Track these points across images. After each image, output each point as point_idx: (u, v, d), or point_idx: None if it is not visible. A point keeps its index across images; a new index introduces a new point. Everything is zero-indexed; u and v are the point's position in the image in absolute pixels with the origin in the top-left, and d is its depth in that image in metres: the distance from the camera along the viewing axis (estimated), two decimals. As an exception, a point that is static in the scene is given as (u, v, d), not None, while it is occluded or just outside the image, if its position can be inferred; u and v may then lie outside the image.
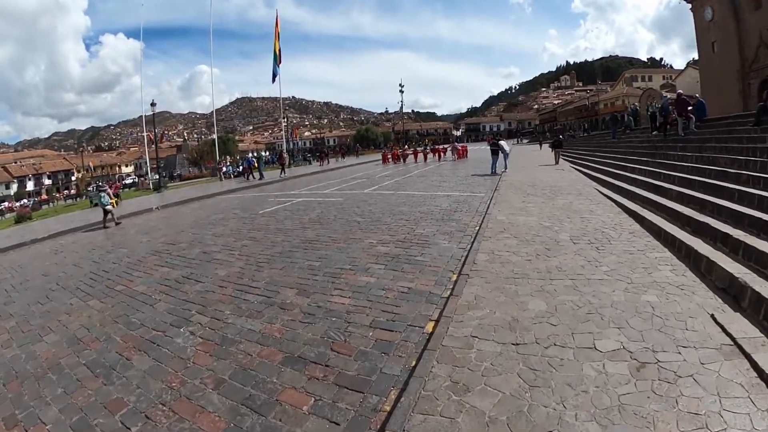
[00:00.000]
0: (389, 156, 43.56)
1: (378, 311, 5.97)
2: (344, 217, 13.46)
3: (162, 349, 5.55)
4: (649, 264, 6.75)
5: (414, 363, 4.52)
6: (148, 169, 54.47)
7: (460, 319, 5.24)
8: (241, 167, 46.79)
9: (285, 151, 50.99)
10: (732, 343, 4.30)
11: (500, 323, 5.04)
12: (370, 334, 5.34)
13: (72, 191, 66.62)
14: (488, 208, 12.39)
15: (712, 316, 4.88)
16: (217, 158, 50.63)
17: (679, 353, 4.18)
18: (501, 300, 5.69)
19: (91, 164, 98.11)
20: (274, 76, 55.82)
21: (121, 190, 40.08)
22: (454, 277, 6.93)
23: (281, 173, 36.81)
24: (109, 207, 18.12)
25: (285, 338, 5.49)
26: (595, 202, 12.28)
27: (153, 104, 39.34)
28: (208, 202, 23.25)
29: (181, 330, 6.09)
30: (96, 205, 30.31)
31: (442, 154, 41.79)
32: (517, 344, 4.56)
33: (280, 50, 55.44)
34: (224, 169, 45.59)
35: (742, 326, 4.57)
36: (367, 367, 4.62)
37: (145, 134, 51.17)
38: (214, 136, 60.23)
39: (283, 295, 7.03)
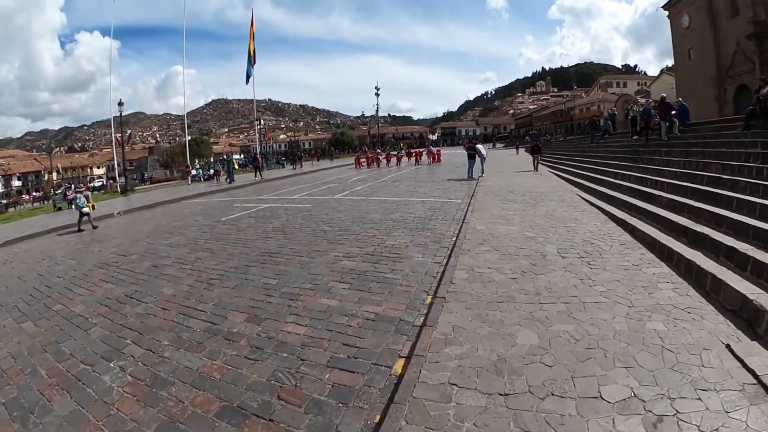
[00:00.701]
0: (362, 160, 42.73)
1: (338, 344, 5.03)
2: (310, 225, 12.47)
3: (86, 389, 4.67)
4: (648, 282, 5.98)
5: (378, 418, 3.63)
6: (116, 171, 52.52)
7: (436, 358, 4.32)
8: (212, 170, 45.37)
9: (259, 153, 49.71)
10: (755, 381, 3.66)
11: (484, 364, 4.13)
12: (327, 376, 4.40)
13: (39, 193, 64.06)
14: (466, 215, 11.55)
15: (728, 346, 4.20)
16: (188, 161, 49.07)
17: (699, 398, 3.46)
18: (484, 332, 4.78)
19: (59, 165, 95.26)
20: (248, 77, 54.40)
21: (74, 195, 38.37)
22: (429, 300, 6.02)
23: (256, 176, 36.04)
24: (86, 209, 17.27)
25: (225, 381, 4.53)
26: (579, 209, 11.52)
27: (120, 104, 37.83)
28: (172, 207, 22.02)
29: (111, 365, 5.16)
30: (60, 209, 29.12)
31: (418, 158, 40.92)
32: (506, 395, 3.67)
33: (254, 51, 54.14)
34: (194, 172, 44.12)
35: (763, 359, 3.94)
36: (320, 423, 3.69)
37: (113, 135, 49.31)
38: (186, 137, 58.59)
39: (230, 321, 6.07)
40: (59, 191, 38.63)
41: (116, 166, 51.50)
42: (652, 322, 4.78)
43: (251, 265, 8.81)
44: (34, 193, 68.75)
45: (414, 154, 42.40)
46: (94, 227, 17.23)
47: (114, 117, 39.67)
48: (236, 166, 39.94)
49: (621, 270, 6.48)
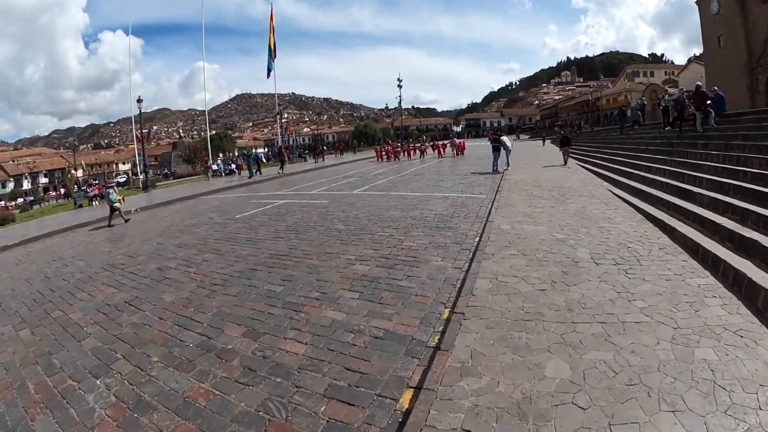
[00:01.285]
0: (383, 153, 42.13)
1: (339, 368, 4.43)
2: (325, 224, 11.89)
3: (69, 410, 4.31)
4: (694, 296, 5.23)
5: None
6: (138, 167, 52.68)
7: (449, 393, 3.67)
8: (233, 165, 45.08)
9: (285, 147, 49.36)
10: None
11: (506, 404, 3.46)
12: (323, 408, 3.81)
13: (62, 191, 64.76)
14: (490, 213, 10.83)
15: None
16: (210, 156, 48.96)
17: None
18: (507, 360, 4.11)
19: (83, 162, 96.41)
20: (269, 71, 54.31)
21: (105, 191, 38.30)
22: (446, 314, 5.37)
23: (280, 170, 35.56)
24: (117, 204, 17.32)
25: (210, 408, 4.01)
26: (612, 206, 10.73)
27: (139, 101, 37.71)
28: (189, 204, 21.69)
29: (98, 382, 4.77)
30: (81, 206, 29.16)
31: (442, 150, 40.03)
32: (532, 448, 3.02)
33: (275, 44, 54.03)
34: (214, 167, 43.91)
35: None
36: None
37: (134, 132, 49.45)
38: (208, 132, 58.67)
39: (226, 335, 5.53)
40: (83, 189, 38.67)
41: (137, 161, 51.70)
42: (701, 348, 4.08)
43: (257, 269, 8.27)
44: (59, 191, 69.59)
45: (438, 146, 41.51)
46: (126, 220, 17.38)
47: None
48: (264, 160, 39.39)
49: (662, 280, 5.74)
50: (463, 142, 42.16)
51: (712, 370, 3.73)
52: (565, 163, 21.99)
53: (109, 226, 16.85)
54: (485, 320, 4.93)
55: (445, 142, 45.13)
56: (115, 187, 18.94)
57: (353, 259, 8.14)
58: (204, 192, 25.99)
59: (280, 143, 58.00)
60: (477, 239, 8.64)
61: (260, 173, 34.67)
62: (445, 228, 9.99)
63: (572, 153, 25.86)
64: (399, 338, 4.93)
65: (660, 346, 4.15)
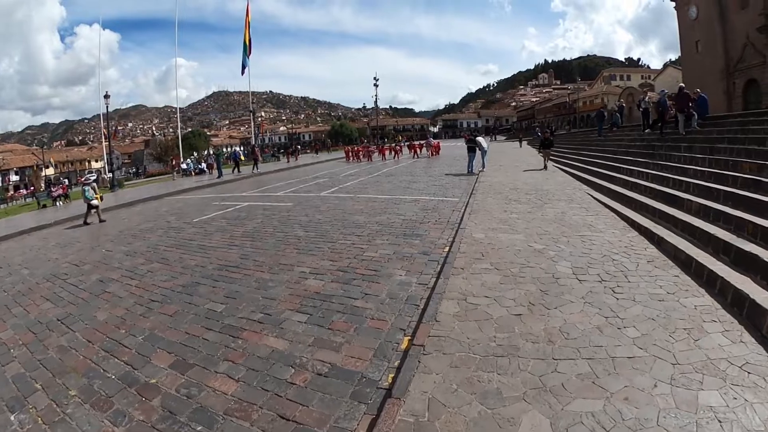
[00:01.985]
0: (352, 152, 41.36)
1: (271, 415, 3.64)
2: (285, 229, 10.99)
3: None
4: (691, 320, 4.55)
5: None
6: (105, 166, 51.03)
7: (397, 465, 2.88)
8: (204, 164, 43.79)
9: (257, 147, 48.17)
10: None
11: (469, 483, 2.68)
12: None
13: (31, 189, 62.48)
14: (462, 219, 10.06)
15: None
16: (181, 154, 47.64)
17: None
18: (472, 413, 3.29)
19: (52, 160, 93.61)
20: (244, 67, 53.16)
21: (70, 190, 36.63)
22: (405, 344, 4.57)
23: (254, 168, 34.95)
24: (94, 202, 16.78)
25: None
26: (592, 211, 10.05)
27: (107, 96, 36.45)
28: (151, 205, 20.60)
29: (12, 418, 4.13)
30: (44, 206, 27.92)
31: (418, 150, 39.26)
32: None
33: (250, 40, 52.92)
34: (184, 166, 42.60)
35: None
36: None
37: (102, 130, 47.91)
38: (179, 130, 57.23)
39: (153, 365, 4.76)
40: (48, 188, 37.14)
41: (105, 160, 50.13)
42: (705, 392, 3.38)
43: (202, 282, 7.39)
44: (30, 189, 67.35)
45: (414, 146, 40.71)
46: (101, 220, 16.64)
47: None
48: (243, 158, 38.35)
49: (655, 301, 5.01)
50: (438, 143, 41.48)
51: (720, 422, 3.05)
52: (545, 167, 20.65)
53: (85, 224, 16.40)
54: (449, 356, 4.11)
55: (421, 142, 44.41)
56: (94, 185, 18.11)
57: (307, 272, 7.27)
58: (169, 192, 24.87)
59: (253, 142, 56.71)
60: (447, 249, 7.85)
61: (239, 171, 33.75)
62: (412, 235, 9.19)
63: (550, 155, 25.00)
64: (347, 376, 4.11)
65: (658, 390, 3.42)
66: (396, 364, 4.19)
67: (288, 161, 45.86)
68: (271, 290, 6.60)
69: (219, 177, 31.81)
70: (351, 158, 40.28)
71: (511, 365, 3.88)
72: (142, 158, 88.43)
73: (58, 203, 28.39)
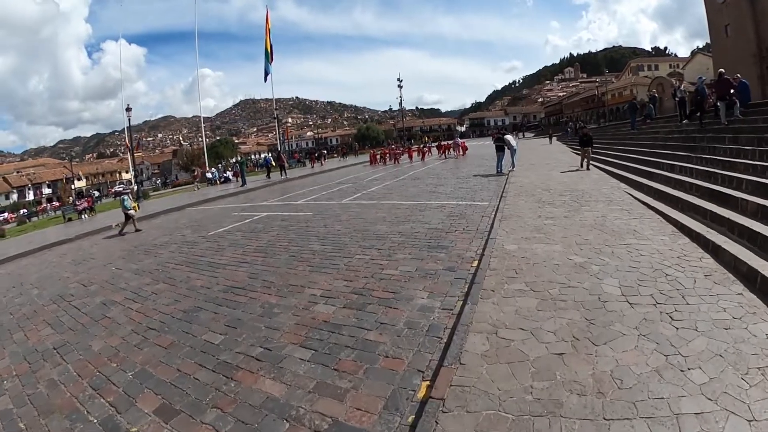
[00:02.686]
0: (378, 156, 40.31)
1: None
2: (300, 243, 10.33)
3: None
4: (765, 355, 3.66)
5: None
6: (132, 177, 51.35)
7: None
8: (229, 172, 43.62)
9: (283, 152, 47.89)
10: None
11: None
12: None
13: (57, 203, 63.50)
14: (492, 226, 9.24)
15: None
16: (206, 163, 47.62)
17: None
18: None
19: (80, 173, 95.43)
20: (266, 74, 53.07)
21: (99, 202, 36.80)
22: (422, 391, 3.81)
23: (281, 174, 34.78)
24: (131, 212, 17.10)
25: None
26: (635, 214, 9.11)
27: (128, 109, 36.50)
28: (172, 217, 20.32)
29: None
30: (70, 219, 28.04)
31: (446, 151, 38.23)
32: None
33: (271, 47, 52.82)
34: (209, 175, 42.47)
35: None
36: None
37: (127, 142, 48.17)
38: (204, 140, 57.43)
39: (136, 410, 4.25)
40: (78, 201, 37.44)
41: (133, 171, 50.51)
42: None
43: (204, 308, 6.77)
44: (58, 202, 68.64)
45: (442, 146, 39.72)
46: (137, 230, 16.79)
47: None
48: (274, 164, 38.07)
49: (720, 330, 4.11)
50: (464, 142, 40.51)
51: None
52: (587, 168, 17.89)
53: (121, 234, 16.57)
54: (473, 415, 3.28)
55: (449, 142, 43.39)
56: (131, 195, 18.61)
57: (318, 296, 6.54)
58: (191, 203, 24.59)
59: (279, 148, 56.55)
60: (475, 264, 7.04)
61: (269, 177, 34.12)
62: (437, 248, 8.38)
63: (577, 150, 23.28)
64: (350, 436, 3.38)
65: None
66: (410, 420, 3.44)
67: (312, 167, 45.40)
68: (275, 318, 5.91)
69: (243, 185, 31.42)
70: (375, 162, 39.29)
71: (552, 429, 3.06)
72: (170, 168, 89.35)
73: (83, 216, 28.37)
